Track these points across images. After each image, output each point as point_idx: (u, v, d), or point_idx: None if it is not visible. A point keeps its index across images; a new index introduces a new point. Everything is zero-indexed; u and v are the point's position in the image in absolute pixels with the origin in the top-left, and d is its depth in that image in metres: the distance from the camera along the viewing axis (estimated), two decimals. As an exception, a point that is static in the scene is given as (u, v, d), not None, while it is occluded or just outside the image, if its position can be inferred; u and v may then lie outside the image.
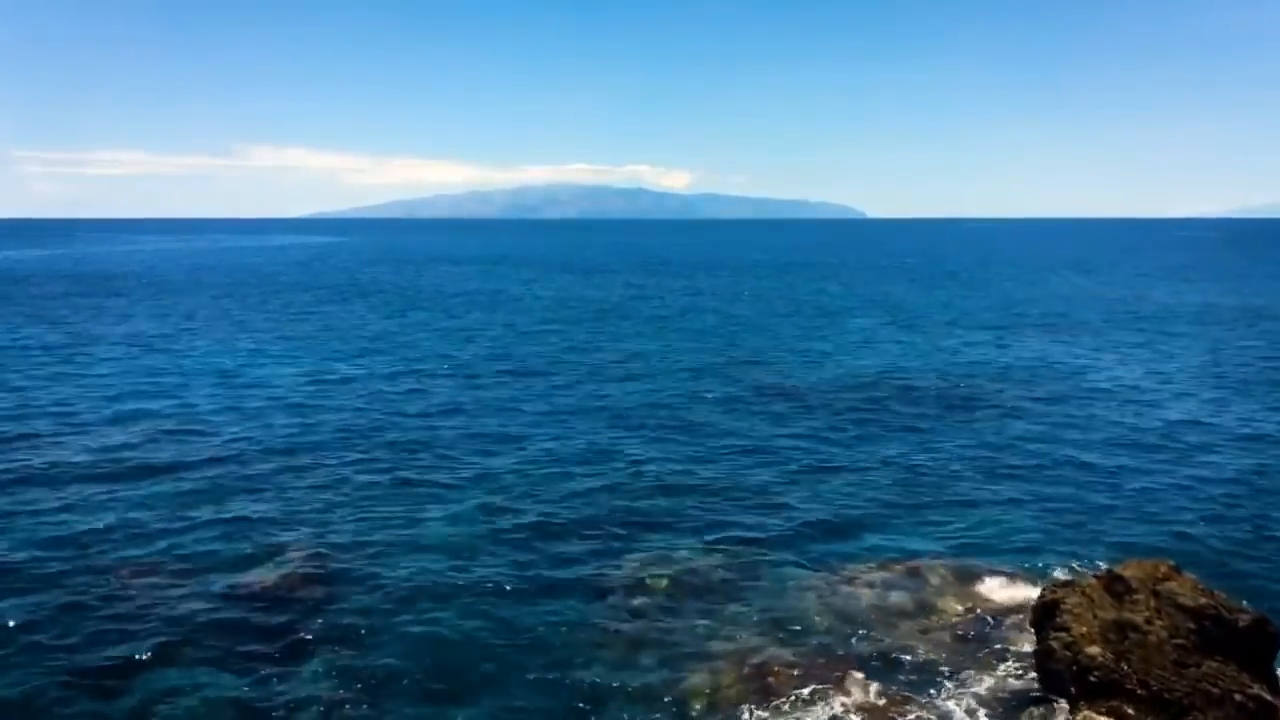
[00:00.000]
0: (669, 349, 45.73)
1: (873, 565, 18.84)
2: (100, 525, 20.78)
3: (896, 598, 17.45)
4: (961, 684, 14.39)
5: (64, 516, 21.33)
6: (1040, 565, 18.74)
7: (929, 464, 25.90)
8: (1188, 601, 13.46)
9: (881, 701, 13.89)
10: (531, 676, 14.71)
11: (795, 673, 14.66)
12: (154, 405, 33.03)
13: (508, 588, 17.85)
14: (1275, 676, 13.40)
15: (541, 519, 21.45)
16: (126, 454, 26.55)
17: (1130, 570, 14.32)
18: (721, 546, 19.84)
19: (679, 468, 25.43)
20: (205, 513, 21.76)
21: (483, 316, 63.43)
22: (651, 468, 25.38)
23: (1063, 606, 14.01)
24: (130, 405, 32.94)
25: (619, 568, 18.81)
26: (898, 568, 18.69)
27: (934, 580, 18.14)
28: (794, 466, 25.58)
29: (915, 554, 19.37)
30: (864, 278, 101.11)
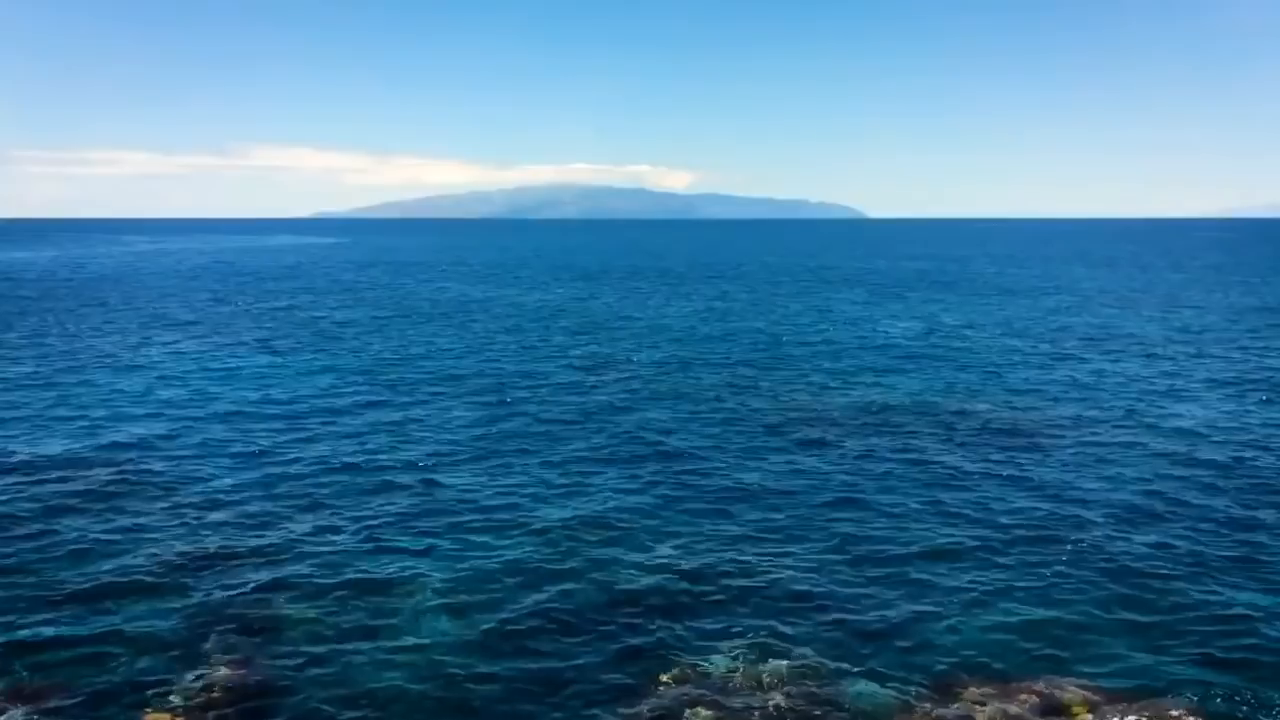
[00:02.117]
0: (698, 385, 38.08)
1: (986, 691, 13.91)
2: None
3: (1033, 750, 12.56)
4: None
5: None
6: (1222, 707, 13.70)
7: (1051, 547, 20.25)
8: None
9: None
10: None
11: None
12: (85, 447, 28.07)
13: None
14: None
15: (541, 615, 16.47)
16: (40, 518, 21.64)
17: None
18: (778, 658, 14.83)
19: (715, 546, 20.00)
20: (117, 604, 16.89)
21: (484, 330, 58.40)
22: (680, 545, 20.11)
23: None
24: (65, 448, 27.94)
25: (644, 697, 13.90)
26: (1024, 695, 13.74)
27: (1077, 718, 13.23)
28: (867, 546, 20.14)
29: (1042, 673, 14.44)
30: (896, 288, 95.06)
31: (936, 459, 26.12)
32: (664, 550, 19.45)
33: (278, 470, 25.05)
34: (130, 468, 25.04)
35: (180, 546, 19.39)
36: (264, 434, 28.91)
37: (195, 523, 20.90)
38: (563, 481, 24.15)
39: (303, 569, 18.43)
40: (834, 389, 36.28)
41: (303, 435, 28.82)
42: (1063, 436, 28.57)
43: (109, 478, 24.03)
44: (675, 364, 42.47)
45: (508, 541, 19.89)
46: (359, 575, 18.09)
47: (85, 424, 29.88)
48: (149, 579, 17.81)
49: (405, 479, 24.33)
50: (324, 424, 30.25)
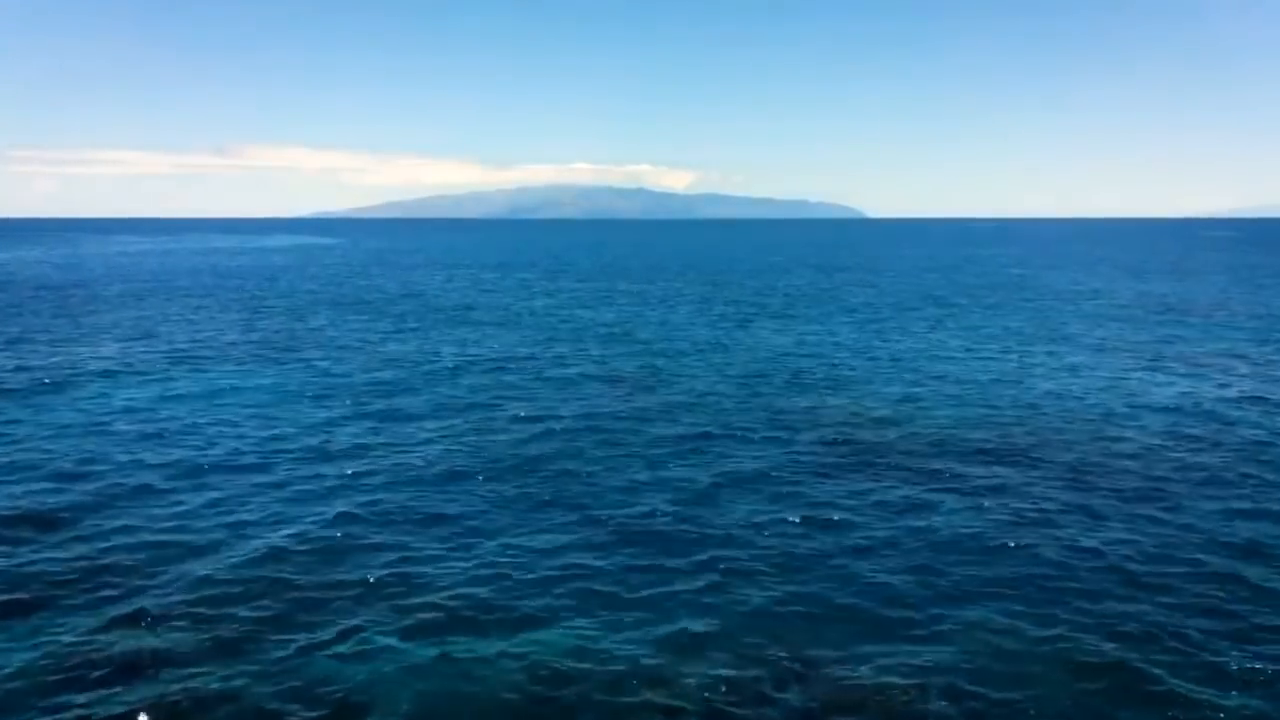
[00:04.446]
0: (720, 414, 31.69)
1: None
2: None
3: None
4: None
5: None
6: None
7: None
8: None
9: None
10: None
11: None
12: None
13: None
14: None
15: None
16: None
17: None
18: None
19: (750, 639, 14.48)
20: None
21: (480, 335, 52.75)
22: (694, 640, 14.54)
23: None
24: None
25: None
26: None
27: None
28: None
29: None
30: (947, 302, 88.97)
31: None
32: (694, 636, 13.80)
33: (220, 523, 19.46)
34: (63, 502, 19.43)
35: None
36: (215, 473, 23.29)
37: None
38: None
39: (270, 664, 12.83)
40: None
41: (259, 473, 23.22)
42: None
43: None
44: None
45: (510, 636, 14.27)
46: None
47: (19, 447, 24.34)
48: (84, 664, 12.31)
49: (386, 543, 18.77)
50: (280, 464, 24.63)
